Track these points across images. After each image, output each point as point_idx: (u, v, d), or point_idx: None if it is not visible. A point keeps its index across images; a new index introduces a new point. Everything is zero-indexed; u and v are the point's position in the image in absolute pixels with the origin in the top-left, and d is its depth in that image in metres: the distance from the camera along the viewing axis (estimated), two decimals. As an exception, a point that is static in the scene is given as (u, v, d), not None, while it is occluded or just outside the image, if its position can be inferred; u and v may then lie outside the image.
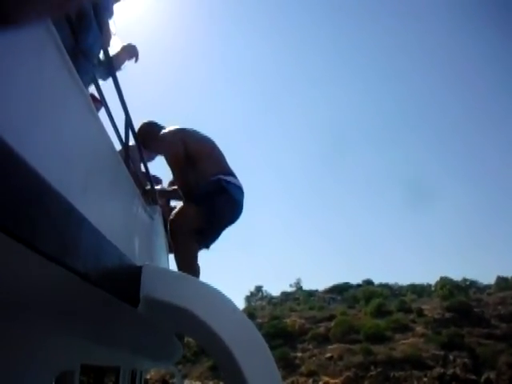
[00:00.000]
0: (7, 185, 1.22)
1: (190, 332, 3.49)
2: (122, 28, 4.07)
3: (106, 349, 3.65)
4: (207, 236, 4.06)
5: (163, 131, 4.42)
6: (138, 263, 2.77)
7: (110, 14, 3.75)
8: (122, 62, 4.19)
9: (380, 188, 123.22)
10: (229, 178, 4.13)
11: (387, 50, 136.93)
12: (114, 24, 3.81)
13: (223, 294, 2.66)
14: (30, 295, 1.84)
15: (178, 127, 4.40)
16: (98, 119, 2.68)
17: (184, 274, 3.07)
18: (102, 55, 3.66)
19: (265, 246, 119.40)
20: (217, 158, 4.33)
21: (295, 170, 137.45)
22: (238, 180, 4.22)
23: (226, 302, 2.63)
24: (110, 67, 3.42)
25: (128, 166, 3.45)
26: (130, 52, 4.27)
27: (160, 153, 4.43)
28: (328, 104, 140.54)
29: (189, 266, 3.76)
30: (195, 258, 3.94)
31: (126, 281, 2.44)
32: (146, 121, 4.66)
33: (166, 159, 4.24)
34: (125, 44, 4.26)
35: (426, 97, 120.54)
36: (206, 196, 3.99)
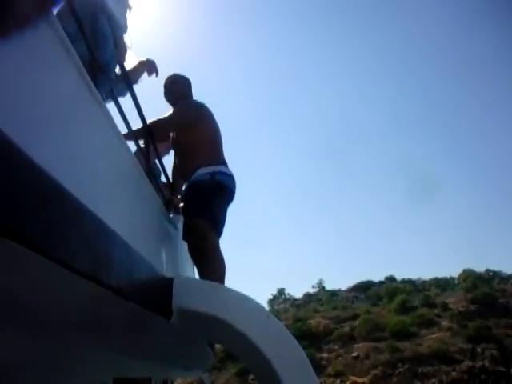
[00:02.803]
0: (40, 205, 1.23)
1: (223, 341, 3.49)
2: (136, 41, 4.10)
3: (139, 361, 3.66)
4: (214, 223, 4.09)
5: (191, 100, 4.67)
6: (167, 274, 2.78)
7: (125, 29, 3.78)
8: (139, 76, 4.22)
9: (393, 183, 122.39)
10: (222, 168, 4.25)
11: (394, 45, 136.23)
12: (130, 38, 3.85)
13: (255, 301, 2.66)
14: (65, 312, 1.86)
15: (204, 104, 4.58)
16: (119, 134, 2.70)
17: (215, 283, 3.07)
18: (118, 70, 3.69)
19: (285, 249, 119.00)
20: (218, 146, 4.47)
21: (306, 168, 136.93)
22: (229, 169, 4.34)
23: (259, 309, 2.63)
24: (128, 81, 3.44)
25: (150, 178, 3.47)
26: (148, 67, 4.31)
27: (173, 113, 4.48)
28: (336, 99, 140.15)
29: (218, 256, 3.85)
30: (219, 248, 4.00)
31: (158, 293, 2.45)
32: (187, 77, 4.83)
33: (174, 121, 4.41)
34: (143, 59, 4.29)
35: (433, 90, 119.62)
36: (201, 185, 4.10)
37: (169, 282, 2.62)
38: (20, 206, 1.14)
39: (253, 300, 2.67)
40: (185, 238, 4.11)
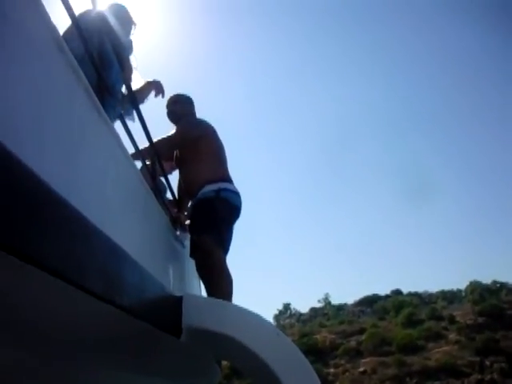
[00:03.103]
0: (56, 228, 1.26)
1: (233, 358, 3.49)
2: (141, 60, 4.15)
3: (146, 378, 3.67)
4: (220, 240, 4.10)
5: (193, 118, 4.71)
6: (175, 292, 2.80)
7: (130, 50, 3.83)
8: (146, 96, 4.27)
9: (397, 194, 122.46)
10: (227, 186, 4.25)
11: (392, 48, 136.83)
12: (135, 59, 3.90)
13: (264, 319, 2.67)
14: (77, 332, 1.88)
15: (207, 122, 4.62)
16: (127, 153, 2.74)
17: (224, 301, 3.08)
18: (124, 90, 3.74)
19: (290, 263, 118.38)
20: (222, 162, 4.49)
21: (308, 180, 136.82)
22: (234, 186, 4.34)
23: (268, 327, 2.65)
24: (134, 102, 3.48)
25: (156, 195, 3.50)
26: (155, 87, 4.36)
27: (176, 131, 4.51)
28: (332, 101, 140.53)
29: (226, 273, 3.86)
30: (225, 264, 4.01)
31: (167, 312, 2.47)
32: (188, 95, 4.87)
33: (176, 139, 4.42)
34: (150, 80, 4.34)
35: (431, 93, 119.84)
36: (207, 203, 4.09)
37: (178, 301, 2.64)
38: (37, 230, 1.17)
39: (262, 318, 2.68)
40: (192, 255, 4.13)
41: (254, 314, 2.71)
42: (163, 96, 4.44)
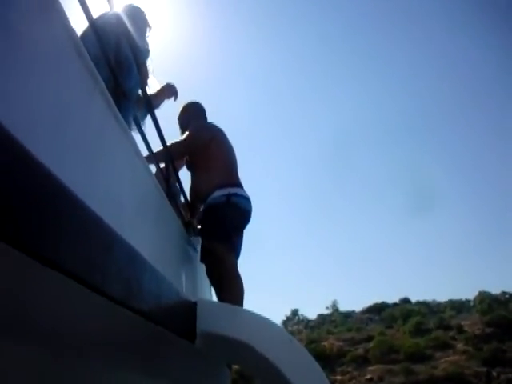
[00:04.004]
0: (78, 235, 1.27)
1: (245, 364, 3.49)
2: (157, 64, 4.17)
3: (156, 382, 3.67)
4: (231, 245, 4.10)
5: (203, 122, 4.77)
6: (189, 297, 2.81)
7: (147, 54, 3.85)
8: (161, 102, 4.29)
9: (407, 201, 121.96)
10: (237, 191, 4.27)
11: (390, 55, 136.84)
12: (151, 62, 3.92)
13: (277, 325, 2.69)
14: (96, 338, 1.89)
15: (217, 125, 4.67)
16: (142, 158, 2.76)
17: (237, 307, 3.10)
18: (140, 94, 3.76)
19: (298, 270, 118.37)
20: (232, 167, 4.52)
21: (317, 182, 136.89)
22: (244, 191, 4.36)
23: (282, 333, 2.66)
24: (150, 107, 3.50)
25: (171, 201, 3.52)
26: (169, 92, 4.38)
27: (187, 135, 4.53)
28: (331, 111, 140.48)
29: (237, 278, 3.88)
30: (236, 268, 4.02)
31: (182, 317, 2.48)
32: (198, 103, 4.94)
33: (187, 144, 4.45)
34: (163, 84, 4.36)
35: (429, 102, 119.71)
36: (217, 208, 4.12)
37: (193, 306, 2.66)
38: (60, 234, 1.19)
39: (275, 324, 2.69)
40: (202, 260, 4.15)
41: (267, 319, 2.72)
42: (175, 99, 4.46)
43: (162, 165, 3.99)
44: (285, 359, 2.55)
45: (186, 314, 2.54)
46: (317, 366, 2.61)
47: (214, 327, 2.61)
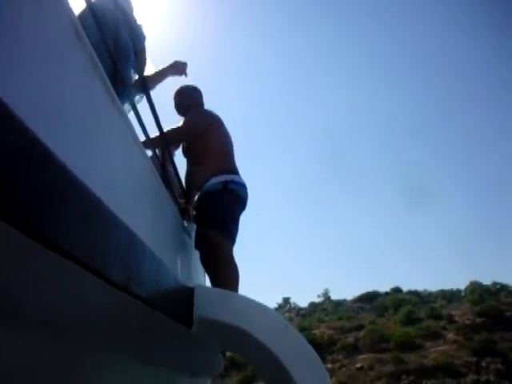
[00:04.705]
0: (80, 218, 1.27)
1: (242, 350, 3.51)
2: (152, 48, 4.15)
3: (150, 369, 3.69)
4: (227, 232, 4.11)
5: (200, 109, 4.74)
6: (184, 283, 2.81)
7: (144, 40, 3.84)
8: (164, 79, 4.29)
9: (398, 191, 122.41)
10: (234, 178, 4.29)
11: (389, 52, 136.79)
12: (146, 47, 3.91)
13: (273, 311, 2.70)
14: (94, 322, 1.89)
15: (214, 113, 4.65)
16: (139, 144, 2.75)
17: (234, 293, 3.11)
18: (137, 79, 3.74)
19: (290, 257, 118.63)
20: (229, 154, 4.54)
21: (309, 174, 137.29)
22: (241, 178, 4.38)
23: (277, 319, 2.67)
24: (146, 92, 3.49)
25: (166, 187, 3.52)
26: (179, 68, 4.37)
27: (184, 122, 4.52)
28: (329, 106, 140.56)
29: (233, 265, 3.90)
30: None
31: (180, 303, 2.49)
32: (195, 86, 4.89)
33: (184, 131, 4.47)
34: (172, 62, 4.35)
35: (426, 96, 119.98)
36: (214, 195, 4.15)
37: (190, 292, 2.67)
38: (62, 217, 1.18)
39: (271, 310, 2.71)
40: (197, 247, 4.15)
41: (263, 306, 2.73)
42: (186, 75, 4.46)
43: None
44: (281, 345, 2.56)
45: (183, 299, 2.55)
46: (313, 352, 2.63)
47: (211, 313, 2.63)
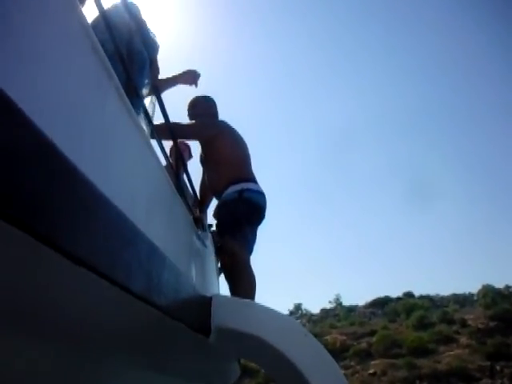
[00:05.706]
0: (103, 232, 1.27)
1: (259, 358, 3.50)
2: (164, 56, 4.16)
3: (168, 378, 3.68)
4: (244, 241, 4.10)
5: (208, 119, 4.70)
6: (200, 292, 2.81)
7: (158, 49, 3.84)
8: (173, 86, 4.29)
9: (408, 195, 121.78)
10: (250, 186, 4.28)
11: (392, 48, 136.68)
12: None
13: (292, 319, 2.70)
14: (115, 331, 1.89)
15: (224, 121, 4.65)
16: (154, 153, 2.75)
17: (252, 301, 3.10)
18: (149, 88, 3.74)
19: (302, 263, 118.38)
20: (246, 162, 4.52)
21: (318, 179, 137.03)
22: (259, 186, 4.35)
23: (296, 327, 2.65)
24: (160, 100, 3.49)
25: (181, 196, 3.51)
26: (190, 78, 4.36)
27: (194, 123, 4.51)
28: (331, 105, 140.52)
29: (250, 274, 3.88)
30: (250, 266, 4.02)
31: (198, 312, 2.48)
32: (208, 96, 4.89)
33: (193, 131, 4.50)
34: (185, 70, 4.35)
35: (428, 93, 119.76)
36: (230, 204, 4.16)
37: (208, 301, 2.66)
38: (86, 230, 1.18)
39: (290, 318, 2.70)
40: (217, 255, 4.18)
41: (281, 314, 2.72)
42: (196, 85, 4.45)
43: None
44: (300, 354, 2.54)
45: (201, 308, 2.55)
46: (332, 361, 2.61)
47: (228, 322, 2.62)
